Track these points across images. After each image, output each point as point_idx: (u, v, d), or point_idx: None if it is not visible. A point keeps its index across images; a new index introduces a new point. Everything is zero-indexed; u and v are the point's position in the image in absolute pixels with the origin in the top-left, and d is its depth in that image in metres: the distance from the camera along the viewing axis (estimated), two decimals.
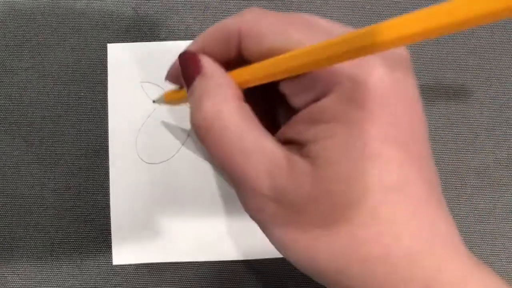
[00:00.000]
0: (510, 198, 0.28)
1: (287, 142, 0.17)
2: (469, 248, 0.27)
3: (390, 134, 0.16)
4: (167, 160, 0.27)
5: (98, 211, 0.27)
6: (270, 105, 0.21)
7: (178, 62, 0.20)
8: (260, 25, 0.17)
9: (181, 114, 0.27)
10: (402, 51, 0.18)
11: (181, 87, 0.23)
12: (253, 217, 0.18)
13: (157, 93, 0.27)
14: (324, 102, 0.16)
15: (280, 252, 0.18)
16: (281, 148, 0.17)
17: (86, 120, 0.27)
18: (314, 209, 0.16)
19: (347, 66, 0.16)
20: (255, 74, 0.17)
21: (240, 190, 0.17)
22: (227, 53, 0.19)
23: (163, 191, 0.27)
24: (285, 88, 0.18)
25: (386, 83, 0.16)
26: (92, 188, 0.27)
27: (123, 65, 0.27)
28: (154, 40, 0.28)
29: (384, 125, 0.16)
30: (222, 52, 0.19)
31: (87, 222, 0.27)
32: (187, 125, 0.27)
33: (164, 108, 0.27)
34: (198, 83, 0.18)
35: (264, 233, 0.18)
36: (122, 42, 0.28)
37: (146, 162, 0.27)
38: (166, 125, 0.27)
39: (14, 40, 0.27)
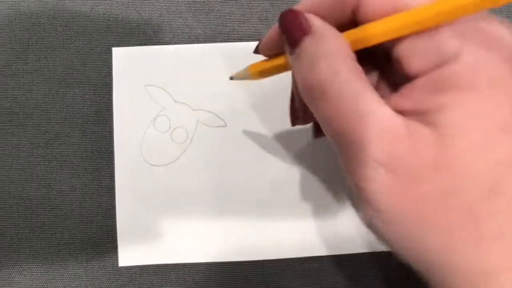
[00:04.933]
0: None
1: (399, 113, 0.16)
2: None
3: None
4: (172, 162, 0.27)
5: (104, 212, 0.27)
6: (371, 75, 0.20)
7: (274, 30, 0.19)
8: None
9: (185, 116, 0.27)
10: None
11: (273, 57, 0.21)
12: (358, 186, 0.16)
13: (161, 96, 0.27)
14: (454, 66, 0.15)
15: (381, 228, 0.16)
16: (398, 114, 0.16)
17: (91, 123, 0.27)
18: (435, 178, 0.15)
19: (477, 26, 0.15)
20: (376, 31, 0.16)
21: (350, 157, 0.16)
22: (340, 17, 0.17)
23: (168, 193, 0.27)
24: (403, 51, 0.16)
25: None
26: (97, 190, 0.27)
27: (128, 68, 0.28)
28: (159, 43, 0.28)
29: None
30: (335, 16, 0.17)
31: (93, 223, 0.27)
32: (192, 128, 0.27)
33: (169, 111, 0.27)
34: (307, 43, 0.17)
35: (365, 205, 0.16)
36: (126, 45, 0.28)
37: (151, 164, 0.27)
38: (171, 128, 0.27)
39: (19, 43, 0.28)
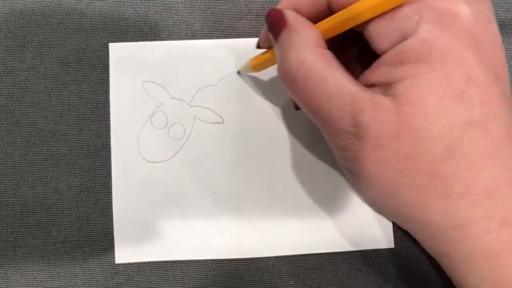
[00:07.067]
0: None
1: (370, 86, 0.18)
2: None
3: (475, 73, 0.16)
4: (169, 159, 0.27)
5: (100, 210, 0.27)
6: (350, 56, 0.22)
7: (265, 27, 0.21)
8: None
9: (183, 113, 0.27)
10: None
11: (268, 49, 0.24)
12: (339, 155, 0.19)
13: (158, 92, 0.27)
14: (410, 41, 0.16)
15: (362, 190, 0.19)
16: (363, 89, 0.18)
17: (88, 120, 0.27)
18: (397, 144, 0.17)
19: (434, 4, 0.16)
20: (343, 18, 0.18)
21: (326, 131, 0.19)
22: (318, 9, 0.20)
23: (165, 189, 0.27)
24: (371, 31, 0.18)
25: (473, 21, 0.16)
26: (94, 187, 0.27)
27: (125, 64, 0.27)
28: (155, 40, 0.28)
29: (470, 65, 0.16)
30: (313, 9, 0.20)
31: (90, 221, 0.27)
32: (189, 124, 0.27)
33: (166, 108, 0.27)
34: (283, 36, 0.19)
35: (347, 171, 0.19)
36: (123, 42, 0.28)
37: (148, 161, 0.27)
38: (168, 124, 0.27)
39: (15, 40, 0.28)
